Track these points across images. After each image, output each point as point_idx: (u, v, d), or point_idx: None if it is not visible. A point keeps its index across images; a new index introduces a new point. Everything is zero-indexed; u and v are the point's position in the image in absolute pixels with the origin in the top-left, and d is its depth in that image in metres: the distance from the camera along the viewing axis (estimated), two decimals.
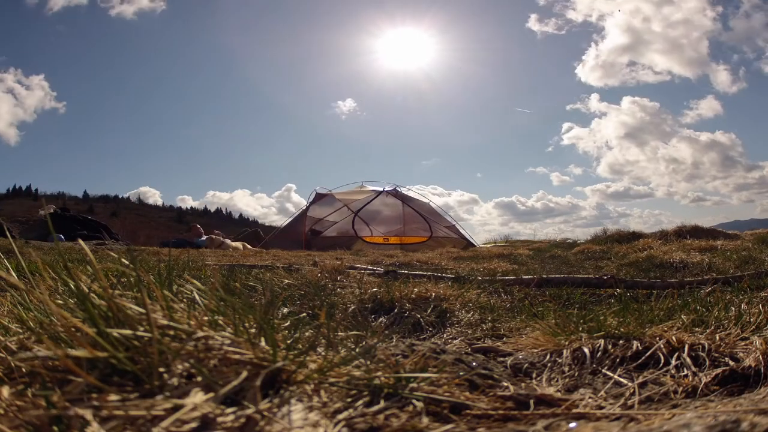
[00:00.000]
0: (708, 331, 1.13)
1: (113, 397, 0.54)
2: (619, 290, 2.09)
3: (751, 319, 1.19)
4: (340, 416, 0.62)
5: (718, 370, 0.92)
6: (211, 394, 0.56)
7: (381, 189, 12.93)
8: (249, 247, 10.27)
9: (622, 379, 0.92)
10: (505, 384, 0.86)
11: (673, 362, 0.97)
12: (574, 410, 0.73)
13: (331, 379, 0.69)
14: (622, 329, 1.11)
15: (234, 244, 10.29)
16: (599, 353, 1.03)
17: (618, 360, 1.01)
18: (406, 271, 3.17)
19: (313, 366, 0.71)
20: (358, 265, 3.63)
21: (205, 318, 0.73)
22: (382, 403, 0.66)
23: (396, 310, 1.76)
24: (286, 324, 0.92)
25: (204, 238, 10.45)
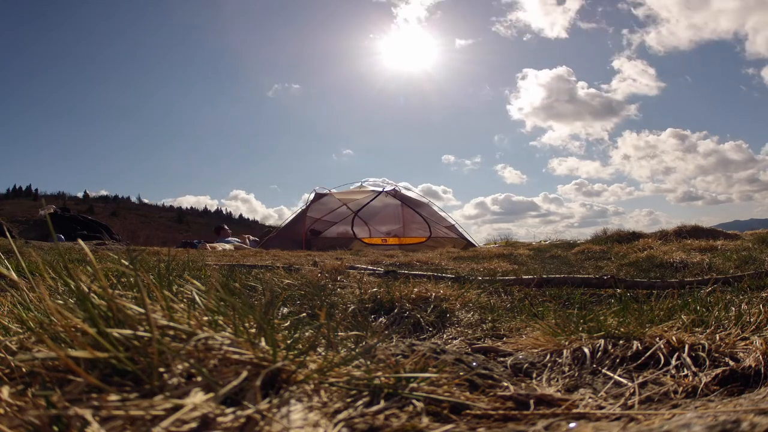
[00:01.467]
0: (708, 331, 1.13)
1: (113, 397, 0.54)
2: (619, 290, 2.09)
3: (751, 319, 1.19)
4: (340, 416, 0.62)
5: (718, 370, 0.92)
6: (211, 394, 0.56)
7: (380, 189, 12.93)
8: (249, 247, 10.31)
9: (622, 379, 0.92)
10: (505, 384, 0.86)
11: (673, 362, 0.97)
12: (574, 410, 0.73)
13: (331, 379, 0.69)
14: (622, 329, 1.11)
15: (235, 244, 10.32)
16: (599, 353, 1.03)
17: (618, 360, 1.01)
18: (406, 271, 3.17)
19: (313, 366, 0.71)
20: (358, 265, 3.63)
21: (205, 318, 0.73)
22: (382, 403, 0.66)
23: (396, 310, 1.76)
24: (286, 324, 0.91)
25: (231, 239, 10.64)
